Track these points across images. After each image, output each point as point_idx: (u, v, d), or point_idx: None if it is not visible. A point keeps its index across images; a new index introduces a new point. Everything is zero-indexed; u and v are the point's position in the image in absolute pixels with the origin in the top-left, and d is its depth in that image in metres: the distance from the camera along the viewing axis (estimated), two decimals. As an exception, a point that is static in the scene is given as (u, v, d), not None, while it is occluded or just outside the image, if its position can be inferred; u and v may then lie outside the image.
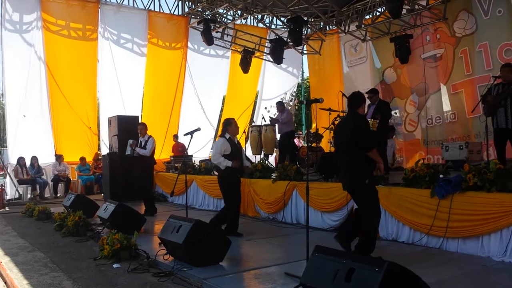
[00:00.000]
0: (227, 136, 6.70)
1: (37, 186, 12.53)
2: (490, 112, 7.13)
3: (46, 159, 13.14)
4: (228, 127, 6.73)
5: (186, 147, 6.86)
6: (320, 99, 4.74)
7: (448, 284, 4.04)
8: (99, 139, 14.31)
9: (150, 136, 9.21)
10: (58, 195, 12.95)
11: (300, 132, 18.76)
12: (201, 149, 14.89)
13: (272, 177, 8.49)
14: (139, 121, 11.41)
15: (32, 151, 12.72)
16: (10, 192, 12.27)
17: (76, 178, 13.49)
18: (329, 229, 6.95)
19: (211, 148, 8.40)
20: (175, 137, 13.76)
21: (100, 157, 13.68)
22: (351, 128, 5.04)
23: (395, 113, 12.66)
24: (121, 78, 14.02)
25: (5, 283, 5.02)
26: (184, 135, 7.11)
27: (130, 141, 9.27)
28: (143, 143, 9.15)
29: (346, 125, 5.24)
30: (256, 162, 9.94)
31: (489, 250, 4.96)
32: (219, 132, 7.69)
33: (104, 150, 13.79)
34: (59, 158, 13.03)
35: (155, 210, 9.25)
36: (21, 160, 12.39)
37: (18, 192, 12.21)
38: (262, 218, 8.24)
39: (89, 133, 13.71)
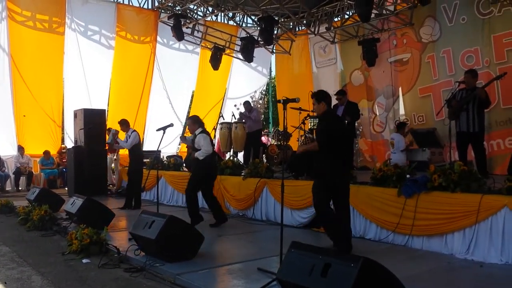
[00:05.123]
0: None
1: (-2, 179, 12.15)
2: (454, 116, 7.48)
3: (7, 152, 12.73)
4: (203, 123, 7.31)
5: (158, 143, 6.81)
6: (297, 98, 4.83)
7: (415, 280, 4.18)
8: (63, 132, 13.97)
9: (134, 131, 9.27)
10: (20, 188, 12.57)
11: (267, 130, 18.90)
12: (168, 144, 14.71)
13: (242, 174, 8.55)
14: (106, 115, 11.25)
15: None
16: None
17: (39, 171, 13.13)
18: (298, 226, 7.07)
19: (181, 142, 9.89)
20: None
21: (64, 150, 13.36)
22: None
23: (362, 114, 12.91)
24: (88, 71, 13.71)
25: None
26: (157, 130, 7.06)
27: (113, 130, 9.57)
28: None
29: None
30: (226, 159, 9.98)
31: (453, 248, 5.16)
32: (187, 128, 7.99)
33: (68, 143, 13.48)
34: (21, 150, 12.64)
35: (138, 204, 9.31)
36: (-19, 153, 12.00)
37: (-22, 186, 11.81)
38: (232, 215, 8.26)
39: (53, 126, 13.34)
